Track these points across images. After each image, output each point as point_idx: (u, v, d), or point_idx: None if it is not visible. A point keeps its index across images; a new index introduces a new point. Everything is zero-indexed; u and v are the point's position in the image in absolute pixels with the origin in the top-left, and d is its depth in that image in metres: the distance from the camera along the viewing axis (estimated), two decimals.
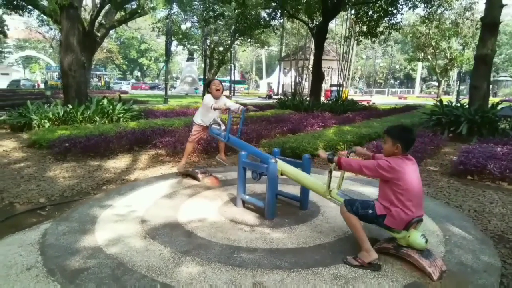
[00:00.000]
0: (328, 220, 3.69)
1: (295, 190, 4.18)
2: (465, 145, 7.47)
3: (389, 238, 2.99)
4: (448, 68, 39.14)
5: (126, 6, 25.64)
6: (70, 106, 9.93)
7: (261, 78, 68.16)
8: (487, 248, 3.18)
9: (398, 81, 75.10)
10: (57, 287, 2.46)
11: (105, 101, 10.81)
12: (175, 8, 24.03)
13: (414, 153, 6.77)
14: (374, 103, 26.59)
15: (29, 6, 18.87)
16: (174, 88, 43.04)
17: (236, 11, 19.23)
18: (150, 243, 3.11)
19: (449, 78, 49.88)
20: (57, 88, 28.25)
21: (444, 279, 2.63)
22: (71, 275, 2.58)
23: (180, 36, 25.72)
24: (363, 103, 24.22)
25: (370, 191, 4.72)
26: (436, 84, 47.88)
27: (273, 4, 19.07)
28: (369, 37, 20.29)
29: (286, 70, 33.55)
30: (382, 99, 40.06)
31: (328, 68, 35.23)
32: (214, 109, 4.67)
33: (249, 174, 3.91)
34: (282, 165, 3.71)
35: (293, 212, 3.89)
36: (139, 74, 70.96)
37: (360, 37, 21.67)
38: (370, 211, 2.82)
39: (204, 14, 19.85)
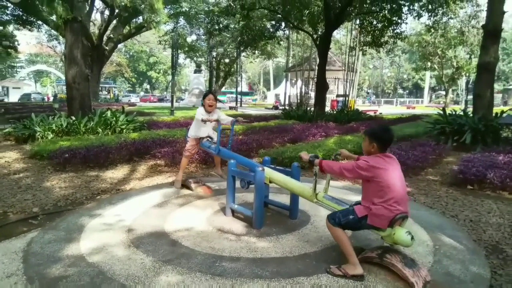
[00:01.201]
0: (316, 229, 3.64)
1: (288, 200, 4.14)
2: (467, 154, 7.36)
3: (374, 247, 2.93)
4: (455, 77, 38.83)
5: (133, 20, 26.17)
6: (73, 118, 10.05)
7: (269, 89, 68.44)
8: (477, 258, 3.10)
9: (407, 91, 74.71)
10: None
11: (109, 113, 10.93)
12: (182, 21, 24.40)
13: (414, 162, 6.70)
14: (381, 113, 26.46)
15: (38, 21, 19.26)
16: (182, 100, 43.35)
17: (241, 23, 19.41)
18: (133, 252, 3.09)
19: (458, 87, 49.48)
20: (66, 101, 28.67)
21: None
22: (50, 283, 2.58)
23: (186, 49, 26.05)
24: (369, 113, 24.12)
25: None
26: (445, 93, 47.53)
27: (277, 15, 19.21)
28: (374, 46, 20.29)
29: (293, 81, 33.66)
30: (390, 109, 39.79)
31: (335, 78, 35.21)
32: (203, 121, 4.67)
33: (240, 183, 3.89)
34: (270, 173, 3.68)
35: (282, 221, 3.85)
36: (148, 86, 71.77)
37: (365, 47, 21.66)
38: (351, 216, 2.78)
39: (209, 27, 20.06)
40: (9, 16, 21.34)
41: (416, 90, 71.60)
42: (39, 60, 60.28)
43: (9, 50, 24.76)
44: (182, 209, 4.22)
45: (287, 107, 19.80)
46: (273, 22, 20.34)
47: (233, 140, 4.98)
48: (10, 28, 24.96)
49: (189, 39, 24.38)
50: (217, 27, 19.52)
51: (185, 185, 5.03)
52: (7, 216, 4.27)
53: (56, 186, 5.58)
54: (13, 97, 43.70)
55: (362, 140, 2.95)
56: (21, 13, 20.22)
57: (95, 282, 2.60)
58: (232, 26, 22.08)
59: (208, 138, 4.85)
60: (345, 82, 24.53)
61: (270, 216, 3.99)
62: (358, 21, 20.48)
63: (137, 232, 3.51)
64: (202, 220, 3.86)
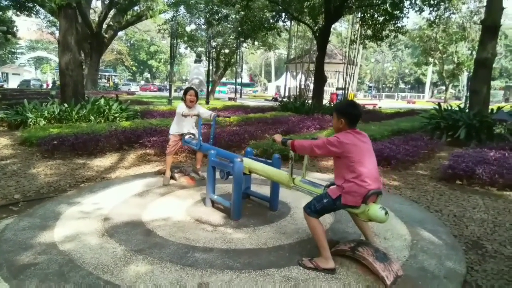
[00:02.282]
0: (295, 222, 3.60)
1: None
2: (458, 150, 7.31)
3: (347, 241, 2.90)
4: (456, 72, 38.58)
5: (134, 8, 25.94)
6: (65, 105, 9.98)
7: (270, 81, 68.12)
8: (454, 254, 3.06)
9: (409, 86, 74.33)
10: (0, 281, 2.43)
11: (102, 100, 10.85)
12: (181, 10, 24.17)
13: (404, 156, 6.65)
14: (380, 107, 26.34)
15: (36, 7, 19.08)
16: (181, 89, 43.09)
17: (240, 13, 19.20)
18: (106, 241, 3.06)
19: (459, 83, 49.18)
20: None
21: (398, 284, 2.53)
22: (17, 270, 2.55)
23: (186, 39, 25.84)
24: (368, 107, 24.02)
25: None
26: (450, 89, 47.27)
27: (278, 7, 18.97)
28: (374, 40, 20.10)
29: (294, 73, 33.53)
30: (391, 103, 39.63)
31: (335, 71, 35.03)
32: (183, 115, 4.62)
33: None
34: (250, 163, 3.64)
35: (262, 213, 3.81)
36: (148, 76, 71.48)
37: (365, 40, 21.48)
38: (325, 200, 2.73)
39: (208, 16, 19.85)
40: (8, 1, 21.16)
41: (418, 85, 71.22)
42: (39, 47, 59.96)
43: (8, 36, 24.57)
44: (162, 199, 4.18)
45: (284, 99, 19.64)
46: (273, 13, 20.09)
47: (215, 134, 4.92)
48: (9, 13, 24.76)
49: (188, 29, 24.20)
50: (216, 17, 19.29)
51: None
52: None
53: (42, 173, 5.54)
54: (13, 83, 43.58)
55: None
56: None
57: (63, 271, 2.57)
58: (233, 16, 21.88)
59: (191, 135, 4.78)
60: (345, 75, 24.41)
61: (250, 208, 3.96)
62: (359, 14, 20.25)
63: (113, 221, 3.48)
64: (181, 210, 3.83)
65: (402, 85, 70.43)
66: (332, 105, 17.81)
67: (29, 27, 48.34)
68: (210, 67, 25.48)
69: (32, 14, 20.85)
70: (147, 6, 19.95)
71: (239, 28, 20.75)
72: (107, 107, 10.51)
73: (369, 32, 20.01)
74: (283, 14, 20.07)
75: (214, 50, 28.26)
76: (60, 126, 8.61)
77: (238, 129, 9.02)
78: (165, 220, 3.53)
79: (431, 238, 3.33)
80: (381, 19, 18.69)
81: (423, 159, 7.35)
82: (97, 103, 10.62)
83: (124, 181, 4.88)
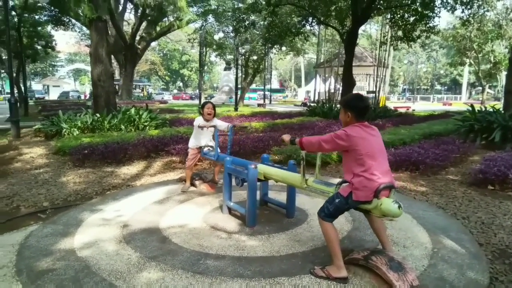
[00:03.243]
0: (311, 229, 3.55)
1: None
2: (492, 153, 6.96)
3: (361, 249, 2.82)
4: (493, 72, 36.85)
5: (163, 19, 26.67)
6: (98, 115, 10.37)
7: (300, 86, 67.89)
8: (478, 263, 2.91)
9: (445, 87, 71.79)
10: (18, 285, 2.54)
11: (132, 110, 11.20)
12: (210, 19, 24.62)
13: (433, 160, 6.41)
14: (413, 110, 25.60)
15: (72, 21, 20.01)
16: (212, 97, 43.70)
17: (267, 19, 19.29)
18: (123, 247, 3.14)
19: (498, 83, 46.94)
20: None
21: None
22: (36, 276, 2.65)
23: (215, 47, 26.26)
24: (400, 110, 23.39)
25: None
26: (487, 89, 45.27)
27: (304, 11, 18.92)
28: (405, 41, 19.61)
29: (324, 78, 33.31)
30: (425, 106, 38.43)
31: (366, 74, 34.43)
32: (199, 126, 4.68)
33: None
34: (264, 169, 3.63)
35: (278, 220, 3.79)
36: (181, 84, 73.08)
37: (396, 41, 20.98)
38: (337, 200, 2.68)
39: (234, 24, 20.09)
40: (46, 16, 22.34)
41: (454, 86, 68.69)
42: (77, 59, 62.79)
43: (47, 49, 25.88)
44: (181, 206, 4.24)
45: (312, 104, 19.49)
46: (300, 18, 20.04)
47: (232, 144, 4.95)
48: (48, 28, 26.10)
49: (216, 37, 24.60)
50: (243, 24, 19.48)
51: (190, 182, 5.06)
52: (19, 210, 4.45)
53: (71, 181, 5.76)
54: (53, 95, 45.86)
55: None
56: (56, 13, 21.10)
57: (78, 277, 2.65)
58: (261, 22, 21.98)
59: (209, 147, 4.83)
60: (376, 78, 23.94)
61: (267, 214, 3.94)
62: (388, 15, 19.83)
63: (132, 228, 3.56)
64: (198, 217, 3.87)
65: (438, 87, 68.11)
66: None
67: (67, 40, 50.91)
68: (239, 74, 25.69)
69: (69, 28, 21.85)
70: (176, 17, 20.45)
71: (266, 34, 20.83)
72: (137, 116, 10.83)
73: (399, 33, 19.54)
74: (310, 19, 19.99)
75: (242, 57, 28.57)
76: (92, 135, 8.96)
77: (263, 135, 9.03)
78: (181, 227, 3.57)
79: (453, 246, 3.19)
80: (411, 19, 18.22)
81: (455, 164, 7.05)
82: (127, 112, 10.98)
83: (146, 189, 5.00)
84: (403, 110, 23.15)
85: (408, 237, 3.36)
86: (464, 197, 5.01)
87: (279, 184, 3.76)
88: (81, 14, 16.15)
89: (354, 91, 31.03)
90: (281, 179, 3.45)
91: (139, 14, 29.65)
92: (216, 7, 24.62)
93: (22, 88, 20.58)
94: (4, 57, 25.22)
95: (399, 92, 64.55)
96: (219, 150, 4.59)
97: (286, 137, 3.17)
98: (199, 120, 4.83)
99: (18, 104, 19.62)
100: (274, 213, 4.01)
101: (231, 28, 23.96)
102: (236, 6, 19.52)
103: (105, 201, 4.41)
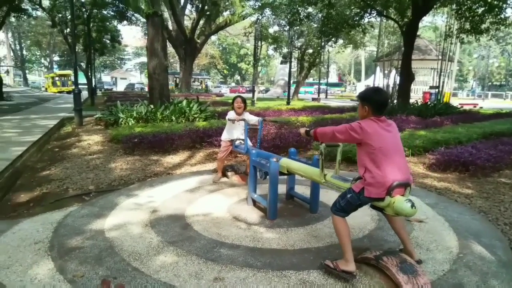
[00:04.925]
0: (331, 225, 3.44)
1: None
2: None
3: (375, 249, 2.74)
4: None
5: (223, 14, 27.24)
6: (152, 106, 10.91)
7: (359, 80, 65.89)
8: (506, 272, 2.70)
9: None
10: (49, 259, 2.80)
11: (184, 102, 11.63)
12: (266, 12, 24.66)
13: (485, 161, 5.97)
14: (481, 107, 23.83)
15: (137, 16, 21.12)
16: (267, 91, 43.99)
17: (322, 12, 18.93)
18: (147, 231, 3.32)
19: None
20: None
21: None
22: (64, 252, 2.91)
23: (270, 40, 26.30)
24: (466, 107, 21.87)
25: None
26: None
27: (361, 2, 18.28)
28: (472, 34, 18.25)
29: (385, 72, 32.06)
30: (496, 103, 35.51)
31: (431, 68, 32.54)
32: (229, 119, 4.77)
33: None
34: (288, 163, 3.62)
35: (300, 214, 3.78)
36: (238, 78, 74.20)
37: (462, 34, 19.57)
38: (349, 195, 2.63)
39: (289, 17, 19.95)
40: (112, 12, 23.84)
41: None
42: (143, 53, 66.10)
43: (114, 43, 27.62)
44: (210, 196, 4.38)
45: None
46: (358, 10, 19.40)
47: (261, 138, 4.98)
48: (115, 23, 27.79)
49: (271, 30, 24.62)
50: (297, 17, 19.27)
51: (223, 173, 5.19)
52: (67, 192, 4.87)
53: (118, 167, 6.16)
54: (120, 86, 48.88)
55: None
56: (121, 8, 22.43)
57: (101, 255, 2.86)
58: (319, 15, 21.59)
59: (241, 141, 4.91)
60: (440, 72, 22.58)
61: (291, 208, 3.95)
62: (454, 6, 18.53)
63: (159, 213, 3.75)
64: (223, 207, 3.97)
65: None
66: (418, 104, 16.54)
67: (134, 35, 53.72)
68: (292, 68, 25.52)
69: (132, 23, 23.09)
70: (232, 12, 20.80)
71: (323, 28, 20.44)
72: (188, 108, 11.23)
73: (467, 25, 18.20)
74: (368, 10, 19.28)
75: (298, 50, 28.32)
76: (145, 125, 9.46)
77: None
78: (205, 216, 3.70)
79: (482, 252, 2.98)
80: (480, 10, 16.89)
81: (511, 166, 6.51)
82: (179, 104, 11.42)
83: (181, 177, 5.21)
84: (468, 108, 21.64)
85: (434, 240, 3.20)
86: None
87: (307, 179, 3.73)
88: (134, 11, 17.02)
89: (414, 86, 29.80)
90: (302, 173, 3.43)
91: (198, 10, 30.55)
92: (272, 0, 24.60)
93: (92, 79, 22.16)
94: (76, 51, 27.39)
95: (469, 88, 60.18)
96: (249, 143, 4.66)
97: (302, 130, 3.18)
98: (230, 114, 4.93)
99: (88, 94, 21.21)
100: (299, 207, 4.00)
101: (285, 21, 23.81)
102: None
103: (141, 187, 4.68)
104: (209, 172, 5.52)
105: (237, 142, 4.90)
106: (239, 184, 4.86)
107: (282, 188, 4.43)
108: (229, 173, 5.05)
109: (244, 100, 5.00)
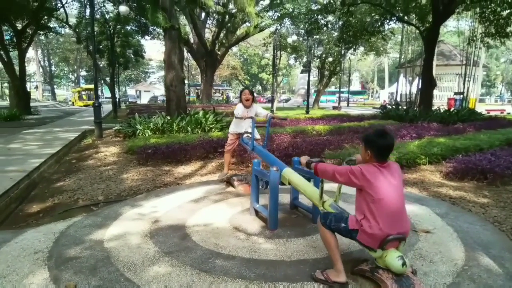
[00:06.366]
0: None
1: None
2: None
3: (371, 260, 2.64)
4: None
5: (242, 26, 27.55)
6: (168, 118, 11.06)
7: (383, 87, 64.90)
8: None
9: None
10: (45, 269, 2.84)
11: (200, 113, 11.74)
12: (285, 22, 24.78)
13: (503, 169, 5.70)
14: (508, 113, 23.00)
15: (157, 30, 21.66)
16: (287, 101, 43.88)
17: (341, 19, 18.85)
18: (145, 241, 3.32)
19: None
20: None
21: None
22: (61, 262, 2.94)
23: (289, 50, 26.35)
24: (493, 112, 21.17)
25: None
26: None
27: (381, 9, 18.09)
28: (497, 37, 17.73)
29: (410, 78, 31.54)
30: None
31: (456, 74, 31.74)
32: (236, 117, 4.75)
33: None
34: (290, 174, 3.55)
35: (302, 225, 3.69)
36: (260, 88, 74.47)
37: (487, 38, 19.03)
38: (343, 225, 2.55)
39: (307, 26, 19.94)
40: (135, 27, 24.54)
41: None
42: None
43: (137, 57, 28.35)
44: (213, 206, 4.36)
45: (388, 106, 18.50)
46: (377, 17, 19.21)
47: (269, 137, 4.94)
48: (138, 37, 28.55)
49: (289, 40, 24.64)
50: (315, 26, 19.24)
51: (229, 182, 5.17)
52: (77, 202, 4.96)
53: (130, 178, 6.23)
54: (144, 99, 49.93)
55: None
56: (142, 24, 23.07)
57: (96, 266, 2.87)
58: (339, 23, 21.51)
59: (248, 135, 4.89)
60: (464, 78, 22.00)
61: (294, 219, 3.88)
62: (477, 9, 18.07)
63: (161, 224, 3.75)
64: (225, 217, 3.93)
65: None
66: (440, 111, 16.04)
67: (158, 49, 55.01)
68: (313, 77, 25.42)
69: (154, 38, 23.68)
70: (252, 24, 21.00)
71: (343, 36, 20.32)
72: (204, 118, 11.32)
73: (492, 29, 17.68)
74: (388, 17, 19.06)
75: (318, 59, 28.21)
76: (161, 136, 9.58)
77: (321, 138, 8.86)
78: (205, 226, 3.67)
79: (490, 265, 2.81)
80: (504, 13, 16.40)
81: None
82: (195, 115, 11.54)
83: (188, 187, 5.22)
84: (494, 114, 20.91)
85: (439, 251, 3.05)
86: None
87: None
88: (153, 23, 17.47)
89: (439, 92, 29.14)
90: (301, 190, 3.35)
91: (218, 23, 31.04)
92: (291, 9, 24.71)
93: (117, 93, 22.76)
94: (100, 65, 28.30)
95: (497, 94, 58.20)
96: (255, 142, 4.62)
97: (304, 160, 3.05)
98: (238, 109, 4.90)
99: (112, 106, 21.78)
100: (302, 218, 3.92)
101: (304, 30, 23.84)
102: (309, 8, 19.37)
103: (148, 198, 4.71)
104: (217, 182, 5.51)
105: (244, 136, 4.88)
106: (245, 194, 4.82)
107: (287, 198, 4.38)
108: (235, 183, 5.02)
109: (252, 92, 5.00)
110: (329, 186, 4.28)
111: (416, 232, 3.46)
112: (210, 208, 4.28)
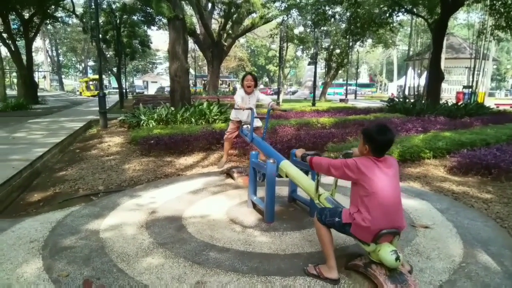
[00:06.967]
0: None
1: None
2: None
3: (364, 256, 2.60)
4: None
5: (249, 16, 27.34)
6: (172, 109, 11.04)
7: (391, 80, 64.27)
8: (509, 285, 2.49)
9: None
10: (39, 258, 2.84)
11: (205, 104, 11.70)
12: (293, 13, 24.51)
13: (509, 164, 5.60)
14: None
15: (163, 20, 21.57)
16: (295, 92, 43.60)
17: (348, 10, 18.58)
18: (141, 232, 3.32)
19: None
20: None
21: None
22: (56, 251, 2.94)
23: (296, 41, 26.10)
24: (502, 107, 20.84)
25: None
26: None
27: (389, 0, 17.79)
28: (508, 30, 17.41)
29: (419, 71, 31.17)
30: None
31: (466, 67, 31.29)
32: (235, 109, 4.71)
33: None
34: (287, 167, 3.50)
35: (299, 218, 3.66)
36: (267, 79, 74.16)
37: (497, 31, 18.69)
38: (337, 219, 2.51)
39: (314, 17, 19.71)
40: (141, 17, 24.46)
41: None
42: None
43: (144, 48, 28.30)
44: (212, 197, 4.34)
45: (396, 99, 18.29)
46: (385, 8, 18.90)
47: (267, 128, 4.89)
48: (145, 28, 28.46)
49: (296, 31, 24.41)
50: (322, 17, 19.01)
51: (229, 174, 5.14)
52: (77, 192, 4.97)
53: (132, 168, 6.23)
54: (151, 90, 49.96)
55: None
56: (148, 13, 22.99)
57: (90, 256, 2.87)
58: (347, 14, 21.24)
59: (248, 126, 4.84)
60: (473, 71, 21.68)
61: (291, 212, 3.85)
62: (488, 2, 17.72)
63: (157, 214, 3.75)
64: (222, 209, 3.91)
65: None
66: (447, 105, 15.82)
67: (165, 39, 54.84)
68: (320, 69, 25.20)
69: (160, 28, 23.59)
70: (258, 15, 20.81)
71: (350, 27, 20.07)
72: (208, 110, 11.29)
73: (502, 22, 17.36)
74: (396, 8, 18.76)
75: (326, 51, 27.94)
76: (164, 127, 9.58)
77: (325, 131, 8.79)
78: (202, 218, 3.65)
79: (488, 262, 2.76)
80: None
81: None
82: (199, 106, 11.50)
83: (188, 179, 5.21)
84: (503, 108, 20.60)
85: (437, 247, 3.00)
86: None
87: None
88: (157, 14, 17.35)
89: (448, 86, 28.89)
90: (298, 184, 3.31)
91: (224, 13, 30.78)
92: (299, 0, 24.43)
93: (123, 83, 22.77)
94: (107, 55, 28.32)
95: (507, 88, 57.32)
96: (254, 134, 4.58)
97: (299, 153, 3.03)
98: (240, 95, 4.86)
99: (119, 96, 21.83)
100: (300, 211, 3.89)
101: (311, 21, 23.59)
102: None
103: (147, 188, 4.71)
104: (216, 174, 5.49)
105: (244, 126, 4.85)
106: (244, 186, 4.79)
107: (286, 190, 4.34)
108: (235, 175, 5.00)
109: (255, 78, 4.94)
110: (326, 179, 4.25)
111: (415, 227, 3.41)
112: (208, 199, 4.26)
